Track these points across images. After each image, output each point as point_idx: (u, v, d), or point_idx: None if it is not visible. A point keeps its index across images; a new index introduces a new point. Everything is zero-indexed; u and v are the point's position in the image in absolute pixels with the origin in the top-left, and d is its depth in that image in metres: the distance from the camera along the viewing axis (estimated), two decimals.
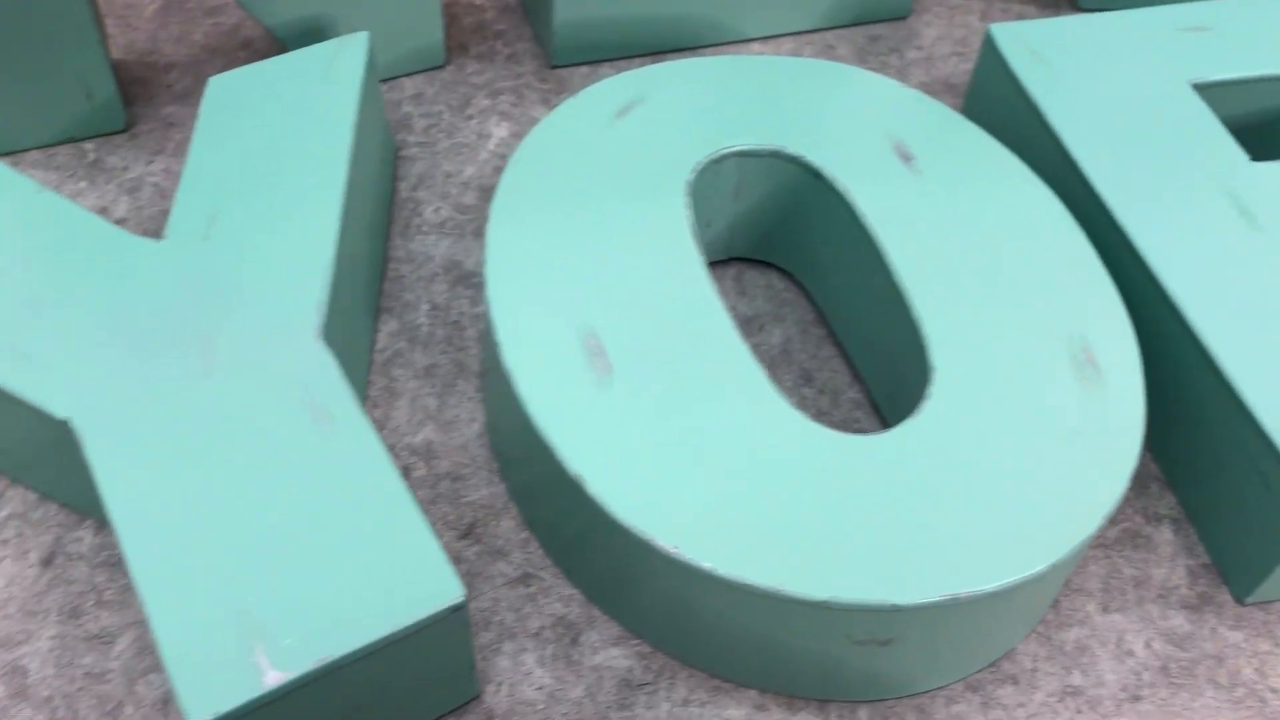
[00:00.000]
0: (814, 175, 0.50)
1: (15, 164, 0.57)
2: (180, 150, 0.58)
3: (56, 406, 0.40)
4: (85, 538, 0.45)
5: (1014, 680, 0.43)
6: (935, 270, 0.46)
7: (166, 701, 0.41)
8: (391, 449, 0.48)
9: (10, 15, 0.52)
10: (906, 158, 0.50)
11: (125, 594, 0.43)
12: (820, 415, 0.49)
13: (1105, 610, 0.45)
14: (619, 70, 0.63)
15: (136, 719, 0.40)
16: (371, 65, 0.54)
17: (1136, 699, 0.42)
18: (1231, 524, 0.45)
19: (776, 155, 0.50)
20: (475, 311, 0.53)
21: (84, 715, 0.40)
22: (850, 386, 0.51)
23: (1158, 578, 0.46)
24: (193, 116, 0.59)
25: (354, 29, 0.58)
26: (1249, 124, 0.55)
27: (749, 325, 0.53)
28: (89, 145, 0.59)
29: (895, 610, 0.37)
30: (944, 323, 0.44)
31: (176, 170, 0.57)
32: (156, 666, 0.42)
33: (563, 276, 0.45)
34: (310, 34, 0.59)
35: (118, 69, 0.60)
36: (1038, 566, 0.38)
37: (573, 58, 0.64)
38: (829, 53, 0.66)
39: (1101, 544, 0.46)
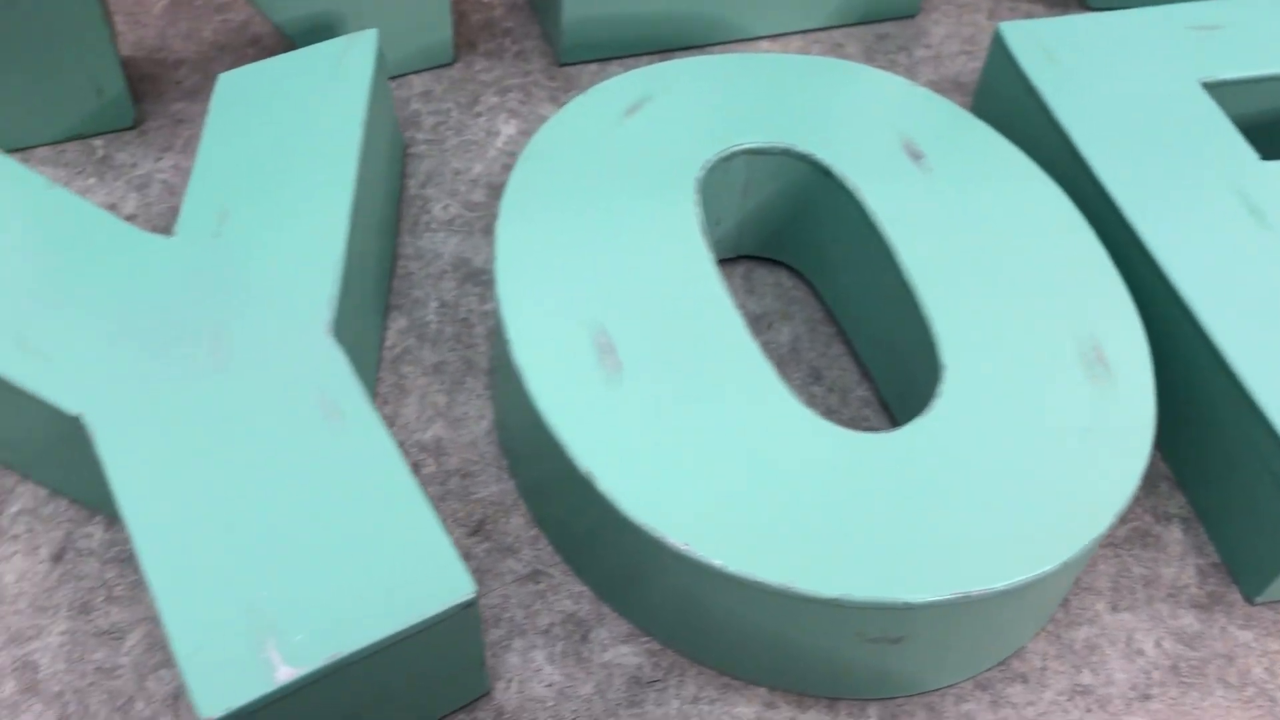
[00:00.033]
0: (823, 173, 0.50)
1: (25, 161, 0.57)
2: (189, 147, 0.58)
3: (68, 402, 0.40)
4: (95, 533, 0.45)
5: (1024, 679, 0.43)
6: (945, 268, 0.46)
7: (177, 697, 0.41)
8: (401, 445, 0.48)
9: (20, 12, 0.52)
10: (916, 156, 0.50)
11: (135, 589, 0.43)
12: (829, 413, 0.49)
13: (1115, 609, 0.45)
14: (627, 68, 0.63)
15: (147, 714, 0.40)
16: (380, 62, 0.54)
17: (1146, 698, 0.42)
18: (1241, 523, 0.45)
19: (786, 153, 0.50)
20: (484, 309, 0.53)
21: (95, 710, 0.40)
22: (859, 385, 0.51)
23: (1167, 577, 0.46)
24: (201, 113, 0.59)
25: (362, 26, 0.58)
26: (1259, 123, 0.55)
27: (758, 323, 0.53)
28: (98, 142, 0.59)
29: (906, 608, 0.37)
30: (954, 321, 0.44)
31: (185, 167, 0.57)
32: (167, 662, 0.42)
33: (572, 274, 0.45)
34: (319, 31, 0.59)
35: (127, 66, 0.60)
36: (1048, 565, 0.38)
37: (581, 55, 0.64)
38: (837, 51, 0.66)
39: (1111, 543, 0.46)
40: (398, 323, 0.52)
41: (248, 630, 0.35)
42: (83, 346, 0.42)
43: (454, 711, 0.41)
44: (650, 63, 0.61)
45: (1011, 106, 0.55)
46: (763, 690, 0.42)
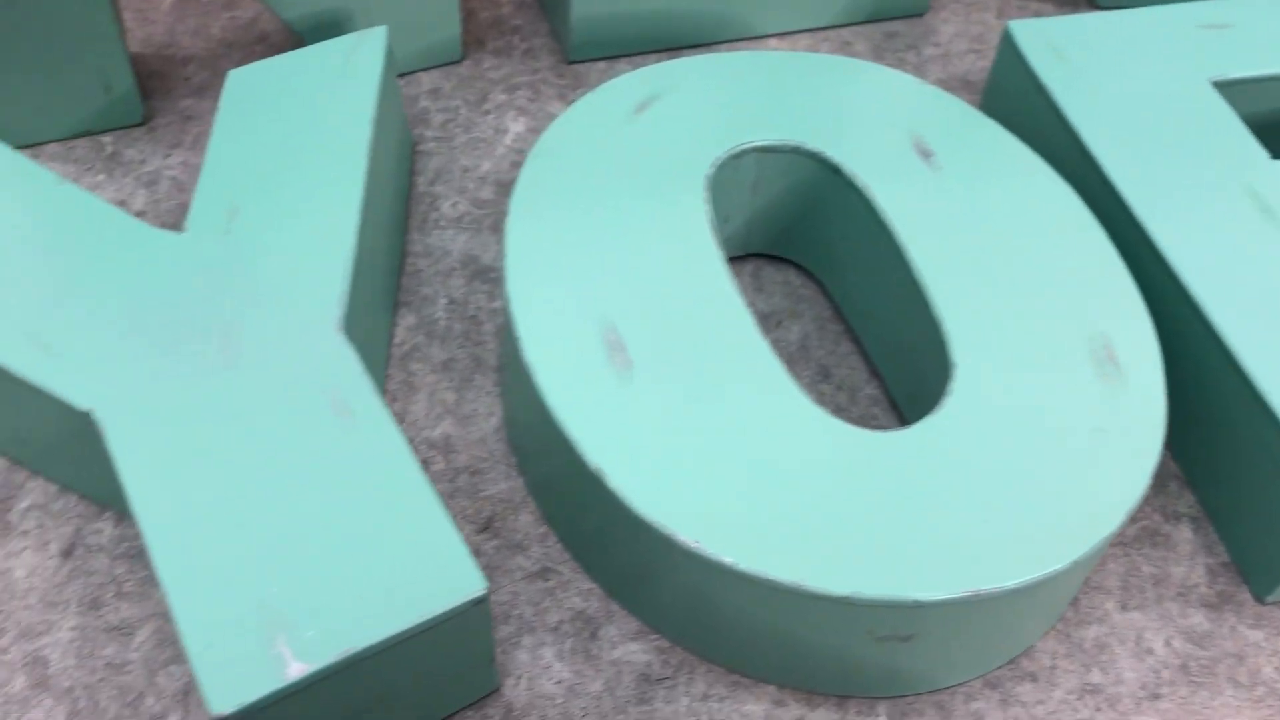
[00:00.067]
0: (833, 171, 0.50)
1: (34, 157, 0.57)
2: (198, 144, 0.59)
3: (79, 398, 0.41)
4: (105, 529, 0.45)
5: (1033, 678, 0.43)
6: (955, 267, 0.46)
7: (187, 692, 0.41)
8: (410, 442, 0.47)
9: (29, 9, 0.52)
10: (926, 154, 0.50)
11: (145, 585, 0.43)
12: (838, 411, 0.49)
13: (1124, 608, 0.44)
14: (635, 66, 0.63)
15: (157, 710, 0.41)
16: (389, 60, 0.54)
17: (1156, 697, 0.42)
18: (1251, 523, 0.45)
19: (795, 151, 0.50)
20: (492, 306, 0.53)
21: (105, 706, 0.41)
22: (868, 383, 0.51)
23: (1177, 576, 0.46)
24: (210, 110, 0.59)
25: (371, 23, 0.58)
26: (1269, 121, 0.55)
27: (767, 321, 0.53)
28: (107, 138, 0.59)
29: (917, 606, 0.37)
30: (964, 319, 0.44)
31: (194, 164, 0.57)
32: (177, 658, 0.42)
33: (582, 271, 0.45)
34: (327, 28, 0.59)
35: (135, 62, 0.60)
36: (1059, 563, 0.38)
37: (589, 53, 0.64)
38: (846, 49, 0.66)
39: (1121, 542, 0.46)
40: (406, 320, 0.52)
41: (259, 626, 0.35)
42: (93, 342, 0.42)
43: (463, 708, 0.41)
44: (659, 61, 0.61)
45: (1021, 105, 0.55)
46: (772, 688, 0.42)
